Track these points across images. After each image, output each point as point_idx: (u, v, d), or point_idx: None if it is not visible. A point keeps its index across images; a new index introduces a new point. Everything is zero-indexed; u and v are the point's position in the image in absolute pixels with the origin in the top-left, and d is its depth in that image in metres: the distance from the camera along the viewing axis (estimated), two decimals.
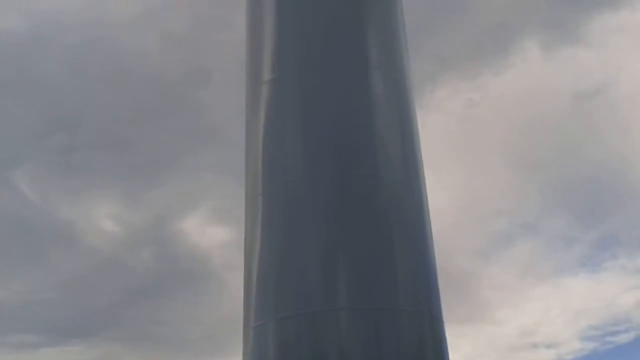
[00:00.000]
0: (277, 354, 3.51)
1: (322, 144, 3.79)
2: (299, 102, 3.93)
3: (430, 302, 3.69)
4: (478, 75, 14.47)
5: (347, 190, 3.70)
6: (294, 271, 3.61)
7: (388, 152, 3.90)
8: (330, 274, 3.55)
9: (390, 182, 3.81)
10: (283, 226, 3.74)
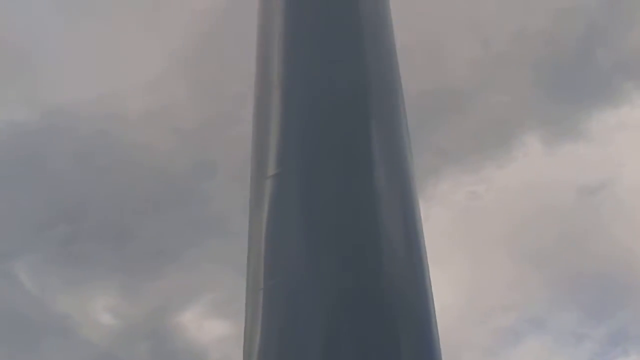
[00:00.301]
0: None
1: (326, 239, 3.76)
2: (303, 197, 3.93)
3: None
4: (481, 169, 14.61)
5: (350, 287, 3.63)
6: None
7: (392, 247, 3.86)
8: None
9: (395, 278, 3.75)
10: (284, 323, 3.64)
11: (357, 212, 3.86)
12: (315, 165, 3.99)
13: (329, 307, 3.59)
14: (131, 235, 13.56)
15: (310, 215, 3.86)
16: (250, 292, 3.92)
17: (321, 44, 4.42)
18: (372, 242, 3.79)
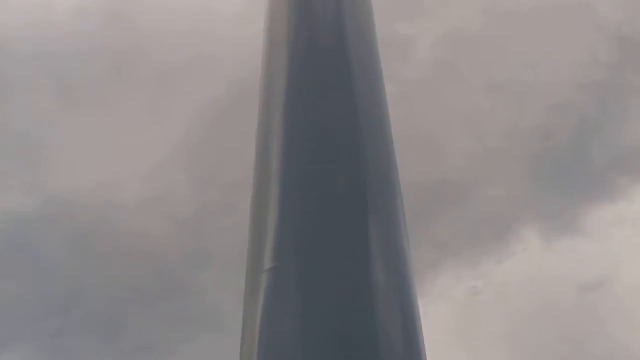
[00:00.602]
0: None
1: (322, 336, 3.63)
2: (299, 293, 3.83)
3: None
4: (480, 263, 14.49)
5: None
6: None
7: (390, 345, 3.73)
8: None
9: None
10: None
11: (354, 309, 3.75)
12: (312, 260, 3.91)
13: None
14: (123, 328, 13.24)
15: (306, 312, 3.75)
16: None
17: (319, 138, 4.45)
18: (370, 340, 3.67)
